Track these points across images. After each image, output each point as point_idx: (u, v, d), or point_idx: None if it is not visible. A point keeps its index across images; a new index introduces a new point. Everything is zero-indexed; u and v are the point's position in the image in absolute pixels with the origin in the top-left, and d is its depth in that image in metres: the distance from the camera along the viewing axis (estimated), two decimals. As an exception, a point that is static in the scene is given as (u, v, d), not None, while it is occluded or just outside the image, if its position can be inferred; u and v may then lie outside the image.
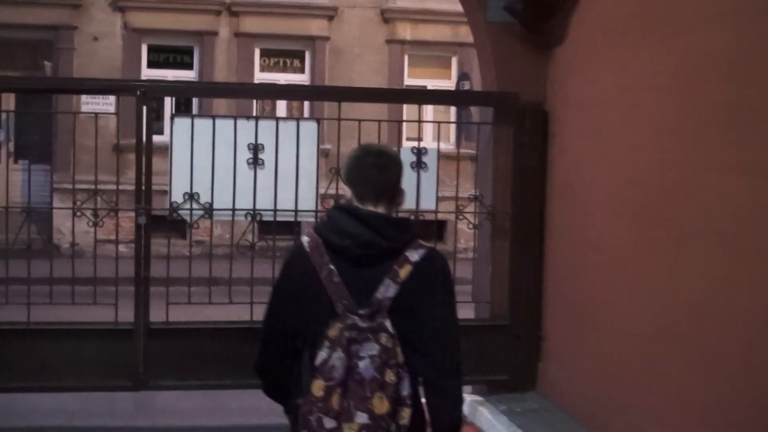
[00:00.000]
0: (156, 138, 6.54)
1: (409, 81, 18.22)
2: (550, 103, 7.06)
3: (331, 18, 18.19)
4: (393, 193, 2.99)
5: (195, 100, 16.25)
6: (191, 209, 6.70)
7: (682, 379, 5.06)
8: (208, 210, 6.73)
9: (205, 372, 6.69)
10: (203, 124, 6.71)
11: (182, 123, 6.69)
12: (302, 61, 18.41)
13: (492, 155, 7.16)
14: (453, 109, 15.07)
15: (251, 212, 6.75)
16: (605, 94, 6.11)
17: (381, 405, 2.79)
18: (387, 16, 18.35)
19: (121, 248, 7.25)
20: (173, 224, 7.22)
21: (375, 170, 2.96)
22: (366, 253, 2.87)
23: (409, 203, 6.86)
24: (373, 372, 2.80)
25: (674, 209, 5.16)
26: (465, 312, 7.37)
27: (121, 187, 6.80)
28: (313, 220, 6.92)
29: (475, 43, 7.63)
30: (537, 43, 7.08)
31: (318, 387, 2.81)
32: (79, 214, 6.70)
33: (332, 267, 2.88)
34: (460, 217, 7.10)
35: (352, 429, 2.79)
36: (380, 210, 2.94)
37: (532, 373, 7.15)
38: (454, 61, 18.74)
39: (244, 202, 6.75)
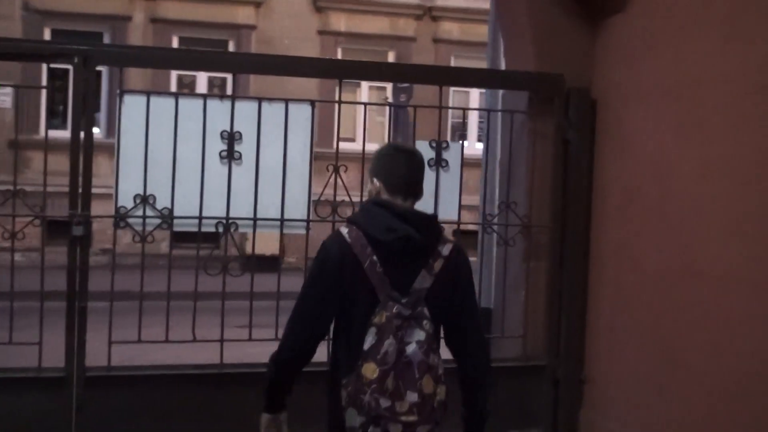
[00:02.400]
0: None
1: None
2: (599, 91, 5.62)
3: (258, 5, 16.53)
4: (420, 190, 3.28)
5: (104, 82, 14.41)
6: (144, 216, 5.03)
7: None
8: (167, 218, 5.06)
9: (160, 432, 5.02)
10: (162, 105, 5.04)
11: (134, 103, 5.01)
12: (225, 52, 16.65)
13: (526, 153, 5.67)
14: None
15: (224, 221, 5.12)
16: (705, 77, 4.69)
17: (429, 385, 3.08)
18: (319, 5, 16.79)
19: (18, 257, 5.46)
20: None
21: (407, 166, 3.25)
22: (407, 248, 3.10)
23: (423, 208, 5.35)
24: (421, 356, 3.06)
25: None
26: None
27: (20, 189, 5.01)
28: (303, 232, 5.31)
29: (499, 15, 6.12)
30: (585, 16, 5.63)
31: (370, 370, 3.04)
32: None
33: (375, 258, 3.10)
34: (488, 230, 5.60)
35: (403, 407, 3.04)
36: (408, 204, 3.22)
37: (573, 426, 5.68)
38: (392, 56, 17.25)
39: (212, 208, 5.12)
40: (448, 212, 5.45)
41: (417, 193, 3.27)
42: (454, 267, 3.21)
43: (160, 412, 5.02)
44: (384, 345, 3.04)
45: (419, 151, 3.39)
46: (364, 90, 16.42)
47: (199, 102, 5.10)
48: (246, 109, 5.16)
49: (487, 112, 5.60)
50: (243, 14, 16.49)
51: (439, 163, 5.40)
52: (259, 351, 4.64)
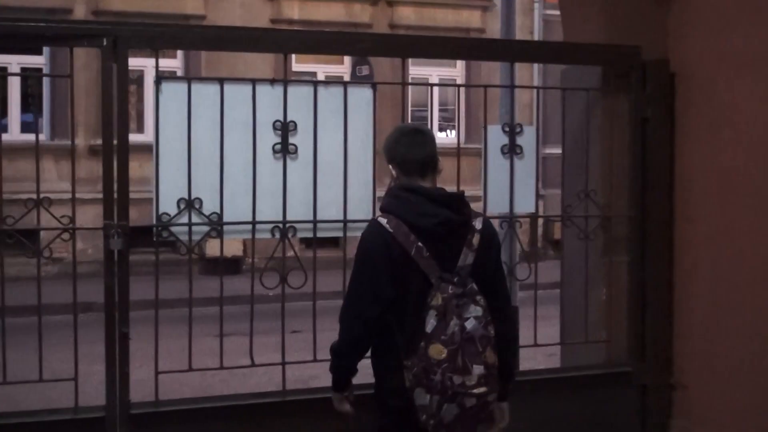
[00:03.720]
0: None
1: (298, 67, 15.81)
2: (675, 63, 5.06)
3: (207, -6, 15.68)
4: (435, 164, 3.42)
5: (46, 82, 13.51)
6: (190, 224, 4.30)
7: None
8: (217, 225, 4.34)
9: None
10: (204, 92, 4.31)
11: (174, 91, 4.27)
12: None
13: (600, 135, 5.08)
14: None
15: (280, 226, 4.42)
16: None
17: (491, 356, 3.27)
18: (271, -8, 16.01)
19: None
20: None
21: (416, 146, 3.41)
22: (448, 230, 3.28)
23: (496, 204, 4.75)
24: (481, 330, 3.24)
25: None
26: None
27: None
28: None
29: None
30: (660, -23, 5.08)
31: (437, 350, 3.18)
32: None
33: (420, 244, 3.25)
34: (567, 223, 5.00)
35: (472, 381, 3.20)
36: (428, 182, 3.39)
37: (662, 436, 5.14)
38: (347, 44, 16.56)
39: (264, 210, 4.42)
40: (523, 203, 4.86)
41: (433, 169, 3.41)
42: (489, 238, 3.42)
43: (216, 450, 4.32)
44: (450, 326, 3.19)
45: (425, 126, 3.60)
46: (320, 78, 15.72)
47: (247, 88, 4.37)
48: (299, 94, 4.46)
49: (562, 90, 4.97)
50: (192, 4, 15.64)
51: (513, 149, 4.77)
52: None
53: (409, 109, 15.30)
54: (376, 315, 3.30)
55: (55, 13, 14.86)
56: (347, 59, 16.41)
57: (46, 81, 14.55)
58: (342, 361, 3.47)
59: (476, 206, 3.73)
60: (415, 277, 3.26)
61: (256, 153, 4.37)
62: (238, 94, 4.37)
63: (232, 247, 13.72)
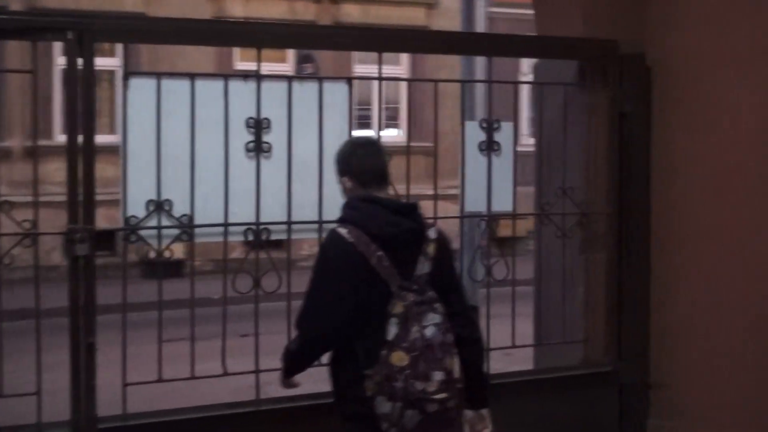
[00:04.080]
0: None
1: (241, 65, 15.53)
2: (652, 57, 4.98)
3: (147, -7, 15.31)
4: (388, 176, 3.49)
5: None
6: (159, 227, 4.08)
7: None
8: (187, 227, 4.13)
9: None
10: (174, 89, 4.10)
11: (142, 87, 4.04)
12: (111, 44, 15.31)
13: (577, 130, 4.97)
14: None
15: (254, 227, 4.22)
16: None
17: (451, 362, 3.30)
18: (212, -9, 15.70)
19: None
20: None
21: (371, 157, 3.46)
22: (408, 238, 3.34)
23: (475, 203, 4.62)
24: (440, 337, 3.27)
25: None
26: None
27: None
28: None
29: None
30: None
31: (399, 357, 3.21)
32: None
33: (380, 253, 3.27)
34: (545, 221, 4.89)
35: (432, 387, 3.22)
36: (382, 193, 3.44)
37: (642, 436, 5.06)
38: (290, 41, 16.33)
39: (238, 212, 4.22)
40: (501, 202, 4.73)
41: (387, 180, 3.49)
42: (443, 247, 3.46)
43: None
44: (411, 333, 3.24)
45: (375, 138, 3.80)
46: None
47: (218, 84, 4.17)
48: (272, 90, 4.27)
49: (539, 85, 4.86)
50: (131, 2, 15.25)
51: (490, 147, 4.64)
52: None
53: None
54: (339, 323, 3.33)
55: (-11, 10, 14.42)
56: (291, 56, 16.18)
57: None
58: (294, 364, 3.54)
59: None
60: (376, 285, 3.29)
61: (228, 152, 4.16)
62: (209, 91, 4.16)
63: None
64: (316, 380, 3.83)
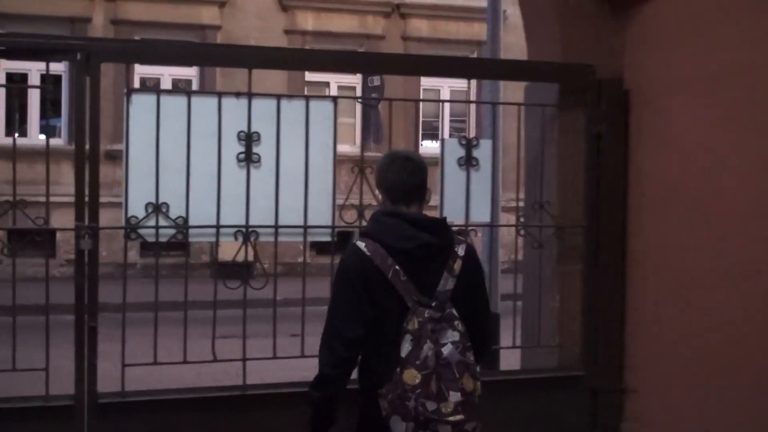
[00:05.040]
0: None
1: (311, 77, 16.16)
2: (631, 81, 5.30)
3: (223, 5, 16.11)
4: (423, 193, 3.40)
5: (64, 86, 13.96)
6: (157, 227, 4.60)
7: None
8: (182, 228, 4.64)
9: (179, 462, 4.60)
10: (173, 104, 4.61)
11: (143, 102, 4.57)
12: (190, 54, 16.12)
13: (557, 149, 5.33)
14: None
15: (243, 230, 4.70)
16: (757, 62, 4.38)
17: (468, 383, 3.20)
18: (286, 4, 16.40)
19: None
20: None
21: (406, 174, 3.37)
22: (427, 254, 3.26)
23: (454, 212, 4.99)
24: (458, 356, 3.18)
25: None
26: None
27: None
28: (328, 239, 4.92)
29: (522, 5, 5.75)
30: (613, 1, 5.31)
31: (411, 376, 3.13)
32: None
33: (397, 267, 3.22)
34: (521, 232, 5.25)
35: (448, 408, 3.13)
36: (414, 210, 3.36)
37: (613, 439, 5.36)
38: (360, 55, 16.88)
39: (230, 215, 4.71)
40: (480, 213, 5.11)
41: (420, 197, 3.40)
42: (472, 265, 3.39)
43: (178, 439, 4.61)
44: (423, 350, 3.15)
45: (417, 155, 3.50)
46: (333, 89, 16.03)
47: (213, 101, 4.67)
48: (263, 107, 4.75)
49: (490, 106, 5.23)
50: (207, 14, 16.04)
51: (469, 161, 5.03)
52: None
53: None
54: (359, 336, 3.24)
55: (75, 22, 15.37)
56: (360, 69, 16.73)
57: (65, 86, 14.85)
58: (325, 389, 3.30)
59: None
60: (393, 301, 3.22)
61: (221, 161, 4.65)
62: (205, 106, 4.66)
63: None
64: (303, 370, 4.06)
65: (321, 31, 16.48)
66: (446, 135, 16.37)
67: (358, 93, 15.86)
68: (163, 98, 4.60)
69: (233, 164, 4.70)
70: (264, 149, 4.73)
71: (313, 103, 4.82)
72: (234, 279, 4.82)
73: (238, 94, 4.71)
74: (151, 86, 15.37)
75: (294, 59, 5.12)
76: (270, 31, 16.14)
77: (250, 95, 4.69)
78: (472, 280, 3.39)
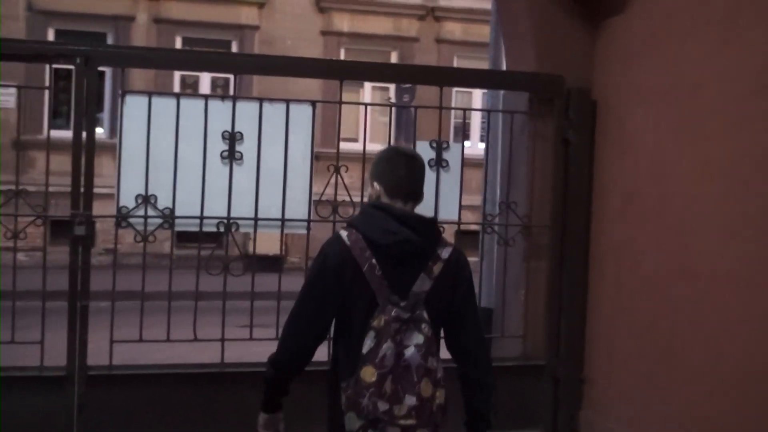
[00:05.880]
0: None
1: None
2: (600, 92, 5.64)
3: (261, 6, 16.57)
4: (419, 192, 3.26)
5: (107, 83, 14.56)
6: (146, 216, 5.05)
7: None
8: (169, 218, 5.09)
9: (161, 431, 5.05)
10: (163, 105, 5.06)
11: (136, 103, 5.04)
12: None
13: (527, 154, 5.69)
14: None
15: (225, 221, 5.14)
16: (701, 79, 4.70)
17: (427, 388, 3.07)
18: (323, 6, 16.82)
19: (21, 256, 5.53)
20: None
21: (407, 170, 3.22)
22: (406, 251, 3.09)
23: (424, 208, 5.35)
24: (419, 359, 3.05)
25: None
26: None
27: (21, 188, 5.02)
28: (304, 232, 5.34)
29: (502, 17, 6.12)
30: (586, 17, 5.65)
31: (369, 373, 3.03)
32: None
33: (374, 261, 3.08)
34: (488, 230, 5.62)
35: (401, 411, 3.04)
36: (408, 208, 3.20)
37: (574, 426, 5.70)
38: (394, 56, 17.28)
39: (214, 208, 5.14)
40: (448, 212, 5.48)
41: (417, 196, 3.26)
42: (455, 270, 3.19)
43: (162, 410, 5.06)
44: (382, 348, 3.04)
45: (419, 154, 3.35)
46: (367, 90, 16.42)
47: (201, 102, 5.13)
48: (247, 109, 5.18)
49: (487, 112, 5.59)
50: (246, 15, 16.52)
51: (439, 163, 5.42)
52: (261, 350, 4.68)
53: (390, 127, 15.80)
54: (322, 326, 3.17)
55: (118, 20, 15.95)
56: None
57: (108, 82, 15.43)
58: (277, 372, 3.21)
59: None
60: (365, 295, 3.10)
61: (206, 158, 5.09)
62: (193, 108, 5.10)
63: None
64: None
65: (356, 32, 16.90)
66: (477, 138, 16.69)
67: (392, 94, 16.25)
68: (155, 99, 5.05)
69: (217, 161, 5.14)
70: (246, 148, 5.16)
71: (293, 106, 5.24)
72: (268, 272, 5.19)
73: (223, 97, 5.15)
74: (190, 83, 16.03)
75: (276, 66, 5.57)
76: (307, 32, 16.60)
77: (234, 98, 5.13)
78: (452, 285, 3.19)
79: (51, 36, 15.77)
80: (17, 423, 4.86)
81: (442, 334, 3.22)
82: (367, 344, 3.05)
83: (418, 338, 3.07)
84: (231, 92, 14.77)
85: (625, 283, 5.36)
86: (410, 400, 3.04)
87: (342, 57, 16.87)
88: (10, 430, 4.87)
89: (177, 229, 5.19)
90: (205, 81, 15.82)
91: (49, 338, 4.98)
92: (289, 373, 3.21)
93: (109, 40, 15.93)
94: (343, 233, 3.16)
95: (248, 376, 5.14)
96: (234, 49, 16.57)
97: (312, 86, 14.92)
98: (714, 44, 4.63)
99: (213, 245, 5.48)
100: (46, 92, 5.43)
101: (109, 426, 5.00)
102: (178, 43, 16.35)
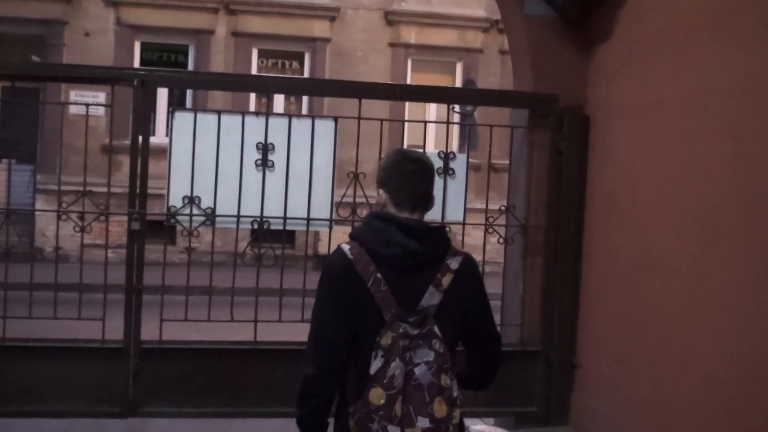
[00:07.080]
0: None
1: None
2: (590, 108, 6.37)
3: (333, 19, 17.53)
4: (428, 200, 3.06)
5: (188, 97, 15.69)
6: (191, 215, 5.97)
7: (759, 428, 4.35)
8: (210, 216, 6.00)
9: (202, 398, 5.99)
10: (207, 120, 5.98)
11: (183, 118, 5.96)
12: (301, 63, 17.71)
13: (526, 163, 6.45)
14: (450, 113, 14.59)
15: (258, 219, 6.03)
16: (663, 97, 5.41)
17: (441, 408, 2.86)
18: (391, 19, 17.70)
19: (110, 254, 6.52)
20: (166, 230, 6.43)
21: (415, 177, 3.01)
22: (413, 263, 2.91)
23: (432, 213, 6.16)
24: (430, 377, 2.85)
25: (757, 227, 4.45)
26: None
27: (111, 190, 6.02)
28: (327, 229, 6.20)
29: (509, 40, 6.92)
30: (578, 41, 6.39)
31: (377, 395, 2.84)
32: (64, 217, 5.98)
33: (379, 275, 2.89)
34: (490, 230, 6.39)
35: None
36: (416, 216, 3.00)
37: (565, 405, 6.44)
38: (459, 66, 18.09)
39: (251, 208, 6.04)
40: (454, 214, 6.27)
41: (426, 204, 3.06)
42: (466, 281, 3.00)
43: (203, 379, 5.96)
44: (390, 368, 2.84)
45: (428, 158, 3.12)
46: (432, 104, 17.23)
47: (239, 118, 6.01)
48: (278, 124, 6.06)
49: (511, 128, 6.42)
50: (319, 28, 17.49)
51: (446, 171, 6.21)
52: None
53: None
54: (340, 343, 2.94)
55: (199, 34, 17.10)
56: (458, 80, 17.93)
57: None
58: (311, 403, 2.98)
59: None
60: (371, 311, 2.90)
61: (242, 166, 5.98)
62: (231, 122, 6.00)
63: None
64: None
65: (422, 44, 17.75)
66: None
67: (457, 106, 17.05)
68: (199, 115, 5.97)
69: (252, 168, 6.01)
70: (277, 157, 6.03)
71: (318, 121, 6.11)
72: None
73: (258, 113, 6.03)
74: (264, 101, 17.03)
75: (305, 87, 6.44)
76: (376, 43, 17.52)
77: (267, 114, 6.02)
78: (464, 296, 2.99)
79: (137, 48, 17.00)
80: (81, 387, 5.83)
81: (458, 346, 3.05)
82: (375, 364, 2.86)
83: (429, 355, 2.87)
84: (292, 108, 15.91)
85: (606, 276, 6.08)
86: (423, 422, 2.84)
87: (409, 67, 17.74)
88: (77, 392, 5.83)
89: (217, 226, 6.08)
90: (279, 98, 16.76)
91: (113, 321, 5.92)
92: (322, 393, 2.98)
93: (191, 52, 17.10)
94: (345, 247, 2.98)
95: (277, 353, 6.02)
96: (307, 60, 17.57)
97: (380, 103, 15.83)
98: (671, 67, 5.33)
99: (288, 245, 6.32)
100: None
101: (159, 391, 5.93)
102: (255, 55, 17.43)
